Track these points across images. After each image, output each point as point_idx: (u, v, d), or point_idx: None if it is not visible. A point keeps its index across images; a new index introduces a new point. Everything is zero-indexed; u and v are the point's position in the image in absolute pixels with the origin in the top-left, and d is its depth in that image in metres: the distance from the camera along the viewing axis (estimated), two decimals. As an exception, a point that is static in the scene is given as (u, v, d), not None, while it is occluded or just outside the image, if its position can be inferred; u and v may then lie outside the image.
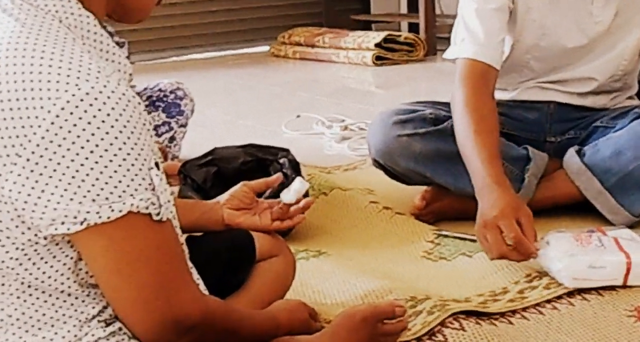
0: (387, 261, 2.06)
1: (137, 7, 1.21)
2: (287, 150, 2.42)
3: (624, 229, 2.00)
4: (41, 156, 1.02)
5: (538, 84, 2.37)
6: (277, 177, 1.80)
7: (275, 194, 2.16)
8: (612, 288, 1.81)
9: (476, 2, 2.24)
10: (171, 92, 2.95)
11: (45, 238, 1.07)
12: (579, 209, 2.25)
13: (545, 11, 2.27)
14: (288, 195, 1.72)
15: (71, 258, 1.10)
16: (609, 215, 2.19)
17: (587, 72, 2.31)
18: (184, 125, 2.97)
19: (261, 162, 2.37)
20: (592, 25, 2.27)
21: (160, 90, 2.95)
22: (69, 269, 1.11)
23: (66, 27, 1.10)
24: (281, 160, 2.36)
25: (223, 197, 1.70)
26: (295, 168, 2.36)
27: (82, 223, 1.04)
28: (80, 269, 1.11)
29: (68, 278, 1.11)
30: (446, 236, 2.17)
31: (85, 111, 1.02)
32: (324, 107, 4.01)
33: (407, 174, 2.28)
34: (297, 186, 1.72)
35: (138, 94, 2.88)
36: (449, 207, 2.30)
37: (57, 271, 1.10)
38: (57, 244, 1.09)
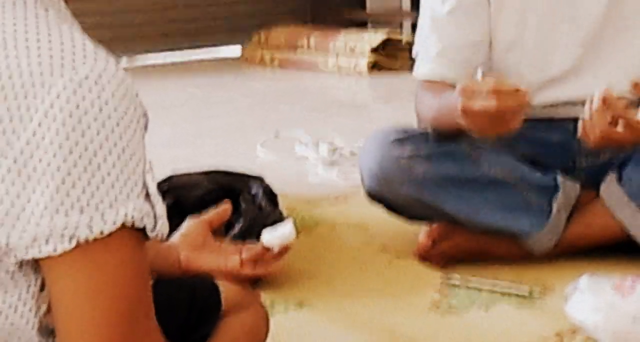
0: (385, 313, 2.05)
1: None
2: (260, 178, 2.44)
3: (676, 275, 2.00)
4: (31, 156, 1.01)
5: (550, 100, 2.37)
6: (227, 206, 1.78)
7: (243, 234, 2.16)
8: (662, 347, 1.81)
9: (431, 7, 2.34)
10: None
11: (16, 263, 1.05)
12: (620, 249, 2.25)
13: None
14: (272, 237, 1.74)
15: (34, 286, 1.08)
16: (659, 256, 2.19)
17: (597, 79, 2.25)
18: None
19: (229, 191, 2.37)
20: (579, 9, 2.28)
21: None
22: (33, 298, 1.08)
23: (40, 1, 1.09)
24: (253, 190, 2.37)
25: (175, 238, 1.69)
26: (272, 200, 2.37)
27: (70, 240, 1.02)
28: (43, 304, 1.09)
29: (28, 319, 1.09)
30: (457, 284, 2.18)
31: (84, 98, 1.01)
32: (308, 124, 4.03)
33: (409, 205, 2.28)
34: (287, 231, 1.74)
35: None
36: (461, 247, 2.30)
37: (19, 299, 1.08)
38: (20, 270, 1.06)
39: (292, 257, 2.19)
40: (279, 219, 2.27)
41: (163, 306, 1.46)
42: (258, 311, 1.69)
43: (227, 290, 1.64)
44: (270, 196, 2.38)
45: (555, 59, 2.33)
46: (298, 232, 2.24)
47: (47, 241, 1.02)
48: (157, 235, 1.07)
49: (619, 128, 2.01)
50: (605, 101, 1.99)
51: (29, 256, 1.03)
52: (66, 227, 1.01)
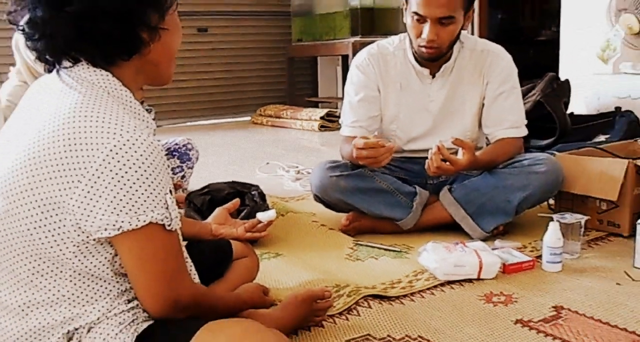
0: (321, 261, 2.05)
1: (161, 76, 1.19)
2: (257, 186, 2.42)
3: (478, 242, 2.02)
4: (96, 181, 1.01)
5: (413, 148, 2.37)
6: (235, 201, 1.80)
7: (247, 216, 2.15)
8: (470, 281, 1.82)
9: (349, 95, 2.32)
10: (183, 145, 2.91)
11: (94, 239, 1.05)
12: (449, 228, 2.26)
13: (398, 93, 2.30)
14: (263, 216, 1.76)
15: (110, 253, 1.08)
16: (470, 232, 2.20)
17: (439, 138, 2.22)
18: (191, 168, 2.93)
19: (240, 193, 2.35)
20: (429, 103, 2.29)
21: (175, 144, 2.91)
22: (108, 261, 1.08)
23: (113, 97, 1.10)
24: (253, 192, 2.35)
25: (210, 218, 1.70)
26: (263, 198, 2.36)
27: (118, 229, 1.02)
28: (116, 262, 1.09)
29: (107, 267, 1.09)
30: (361, 245, 2.17)
31: (126, 152, 1.02)
32: (285, 158, 4.00)
33: (337, 203, 2.27)
34: (271, 213, 1.78)
35: (159, 146, 2.83)
36: (364, 225, 2.29)
37: (100, 261, 1.08)
38: (101, 244, 1.06)
39: (273, 230, 2.20)
40: (267, 208, 2.27)
41: (200, 254, 1.47)
42: (253, 258, 1.69)
43: (236, 245, 1.64)
44: (262, 196, 2.36)
45: (416, 128, 2.33)
46: (278, 215, 2.25)
47: (105, 229, 1.02)
48: (171, 228, 1.07)
49: (447, 164, 2.04)
50: (439, 149, 2.02)
51: (96, 236, 1.04)
52: (116, 221, 1.02)
